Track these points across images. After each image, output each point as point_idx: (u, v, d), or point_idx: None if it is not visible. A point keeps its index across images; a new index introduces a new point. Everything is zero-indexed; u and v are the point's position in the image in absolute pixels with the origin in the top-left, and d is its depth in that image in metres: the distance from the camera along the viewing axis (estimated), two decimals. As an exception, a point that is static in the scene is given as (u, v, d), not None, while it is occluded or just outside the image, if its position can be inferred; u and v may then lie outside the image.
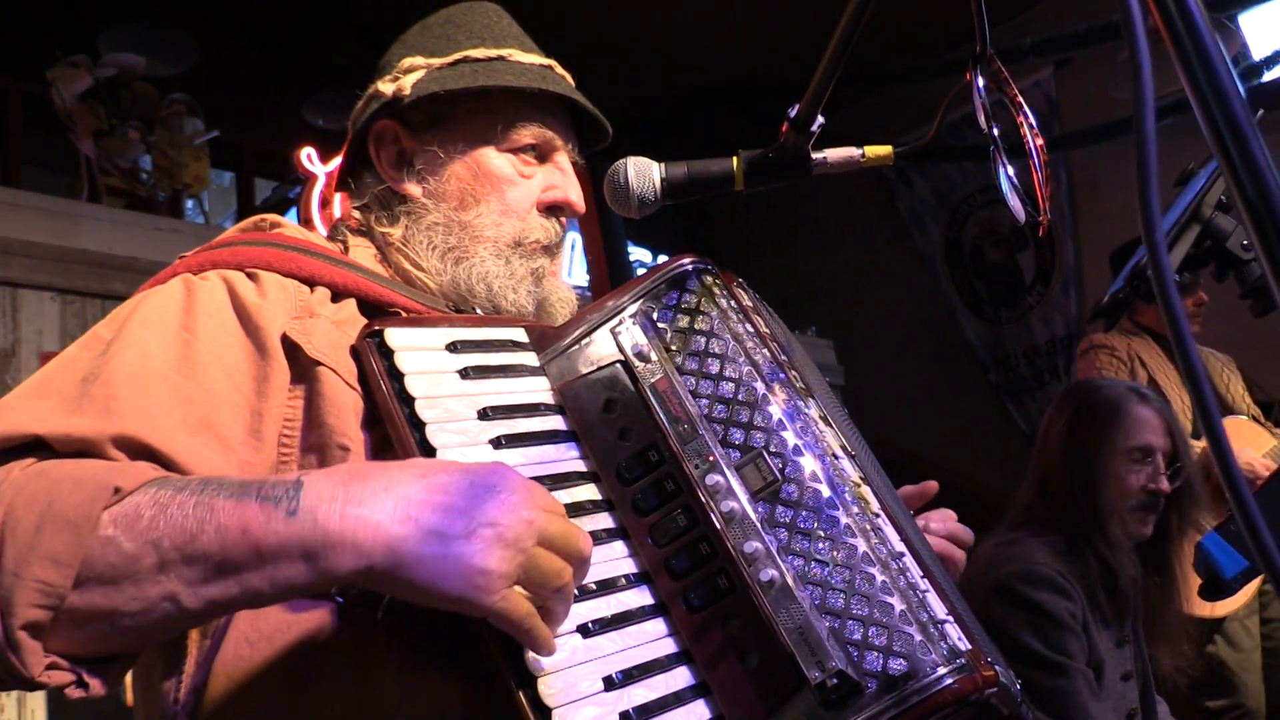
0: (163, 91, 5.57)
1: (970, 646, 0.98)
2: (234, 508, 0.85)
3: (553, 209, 1.36)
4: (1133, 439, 2.29)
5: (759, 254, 8.53)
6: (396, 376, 1.06)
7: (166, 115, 5.44)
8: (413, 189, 1.33)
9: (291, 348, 1.11)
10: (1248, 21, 6.71)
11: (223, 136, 6.16)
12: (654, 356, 1.13)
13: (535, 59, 1.36)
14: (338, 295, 1.20)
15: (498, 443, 1.07)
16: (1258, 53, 6.63)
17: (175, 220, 5.27)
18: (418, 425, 1.03)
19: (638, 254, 7.36)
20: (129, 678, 1.14)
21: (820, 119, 1.23)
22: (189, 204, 6.73)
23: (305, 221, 5.06)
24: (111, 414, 0.98)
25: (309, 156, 5.10)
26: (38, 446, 0.95)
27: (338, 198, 4.93)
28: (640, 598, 1.04)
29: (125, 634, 0.86)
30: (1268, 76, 6.31)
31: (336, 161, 5.19)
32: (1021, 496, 2.48)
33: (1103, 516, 2.24)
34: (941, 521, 1.30)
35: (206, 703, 1.02)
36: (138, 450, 0.98)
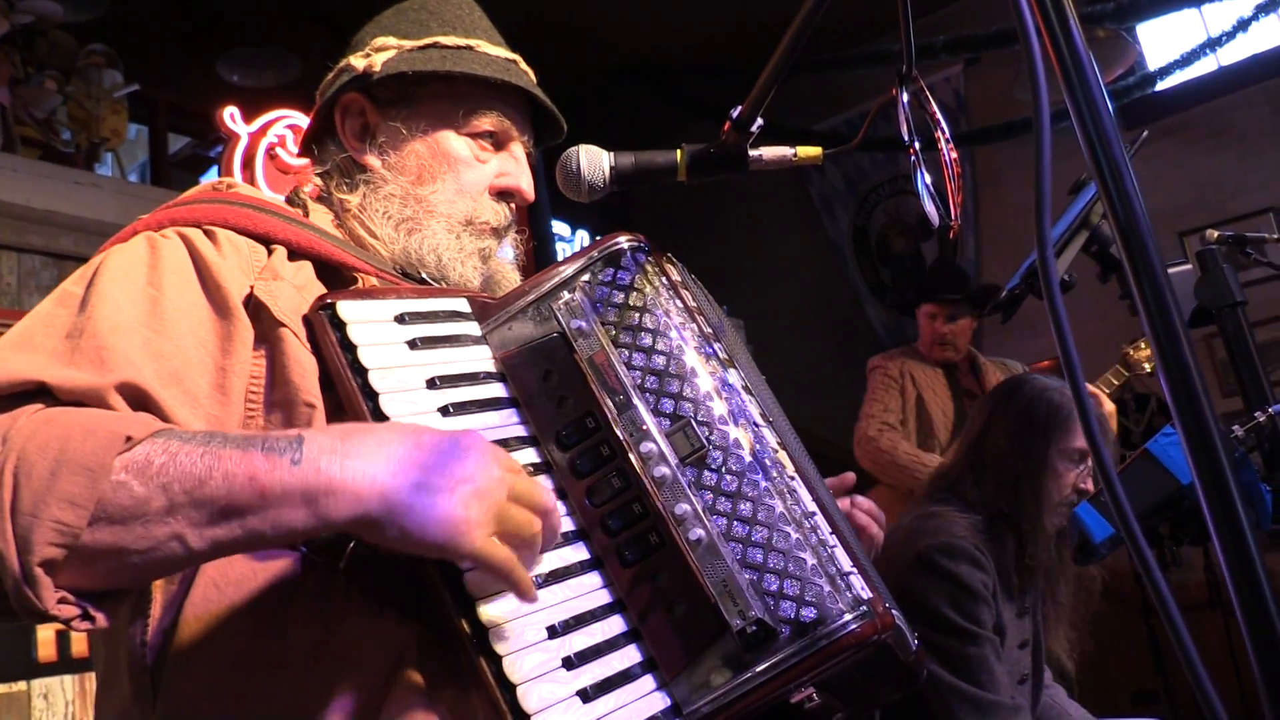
0: (80, 42, 5.40)
1: (871, 595, 1.10)
2: (240, 456, 0.92)
3: (504, 194, 1.44)
4: (1075, 441, 2.43)
5: (676, 232, 8.63)
6: (349, 348, 1.11)
7: (84, 66, 5.27)
8: (373, 160, 1.39)
9: (258, 307, 1.16)
10: (1144, 31, 7.05)
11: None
12: (591, 330, 1.19)
13: (502, 52, 1.44)
14: (294, 255, 1.25)
15: (445, 410, 1.12)
16: (1153, 63, 6.97)
17: (94, 175, 5.09)
18: (371, 395, 1.08)
19: (558, 228, 7.43)
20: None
21: (759, 121, 1.35)
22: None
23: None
24: (105, 364, 1.03)
25: (231, 116, 5.02)
26: (40, 393, 1.00)
27: (260, 158, 4.89)
28: (577, 553, 1.12)
29: (130, 570, 0.92)
30: (1161, 86, 6.65)
31: (260, 122, 5.15)
32: (948, 473, 2.59)
33: (1042, 507, 2.38)
34: (865, 501, 1.43)
35: (175, 644, 1.07)
36: (137, 396, 1.03)
